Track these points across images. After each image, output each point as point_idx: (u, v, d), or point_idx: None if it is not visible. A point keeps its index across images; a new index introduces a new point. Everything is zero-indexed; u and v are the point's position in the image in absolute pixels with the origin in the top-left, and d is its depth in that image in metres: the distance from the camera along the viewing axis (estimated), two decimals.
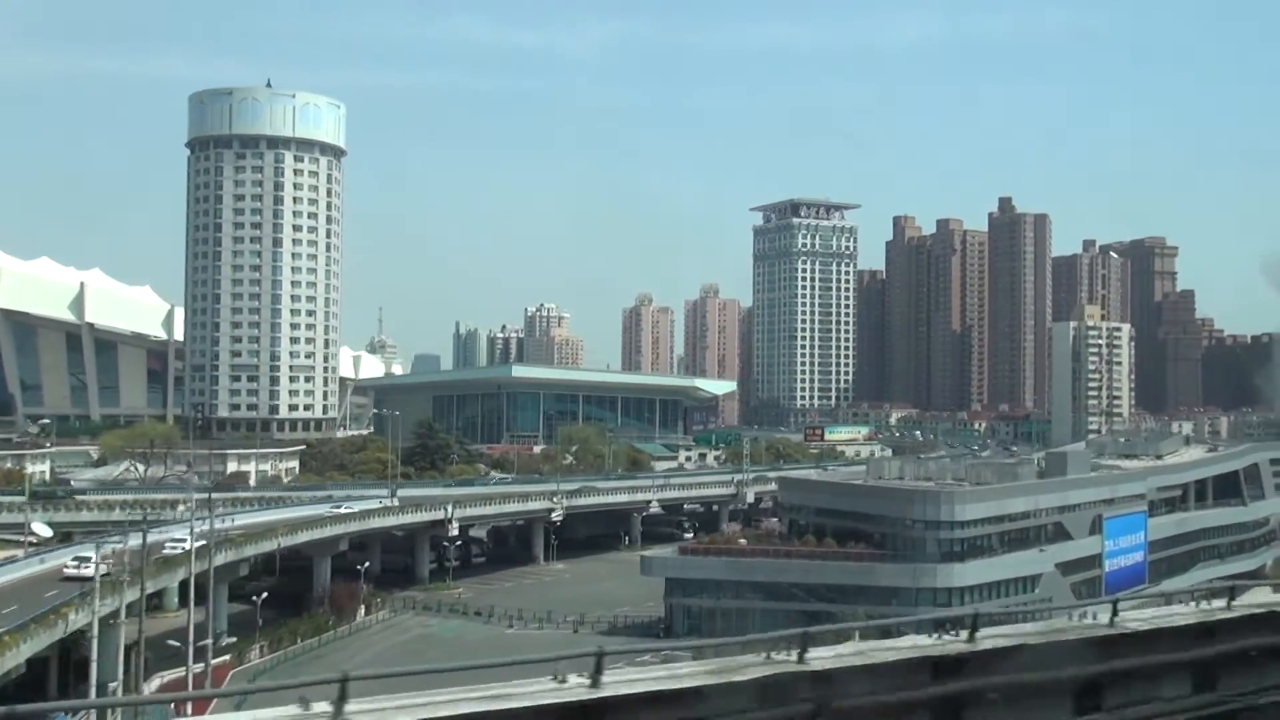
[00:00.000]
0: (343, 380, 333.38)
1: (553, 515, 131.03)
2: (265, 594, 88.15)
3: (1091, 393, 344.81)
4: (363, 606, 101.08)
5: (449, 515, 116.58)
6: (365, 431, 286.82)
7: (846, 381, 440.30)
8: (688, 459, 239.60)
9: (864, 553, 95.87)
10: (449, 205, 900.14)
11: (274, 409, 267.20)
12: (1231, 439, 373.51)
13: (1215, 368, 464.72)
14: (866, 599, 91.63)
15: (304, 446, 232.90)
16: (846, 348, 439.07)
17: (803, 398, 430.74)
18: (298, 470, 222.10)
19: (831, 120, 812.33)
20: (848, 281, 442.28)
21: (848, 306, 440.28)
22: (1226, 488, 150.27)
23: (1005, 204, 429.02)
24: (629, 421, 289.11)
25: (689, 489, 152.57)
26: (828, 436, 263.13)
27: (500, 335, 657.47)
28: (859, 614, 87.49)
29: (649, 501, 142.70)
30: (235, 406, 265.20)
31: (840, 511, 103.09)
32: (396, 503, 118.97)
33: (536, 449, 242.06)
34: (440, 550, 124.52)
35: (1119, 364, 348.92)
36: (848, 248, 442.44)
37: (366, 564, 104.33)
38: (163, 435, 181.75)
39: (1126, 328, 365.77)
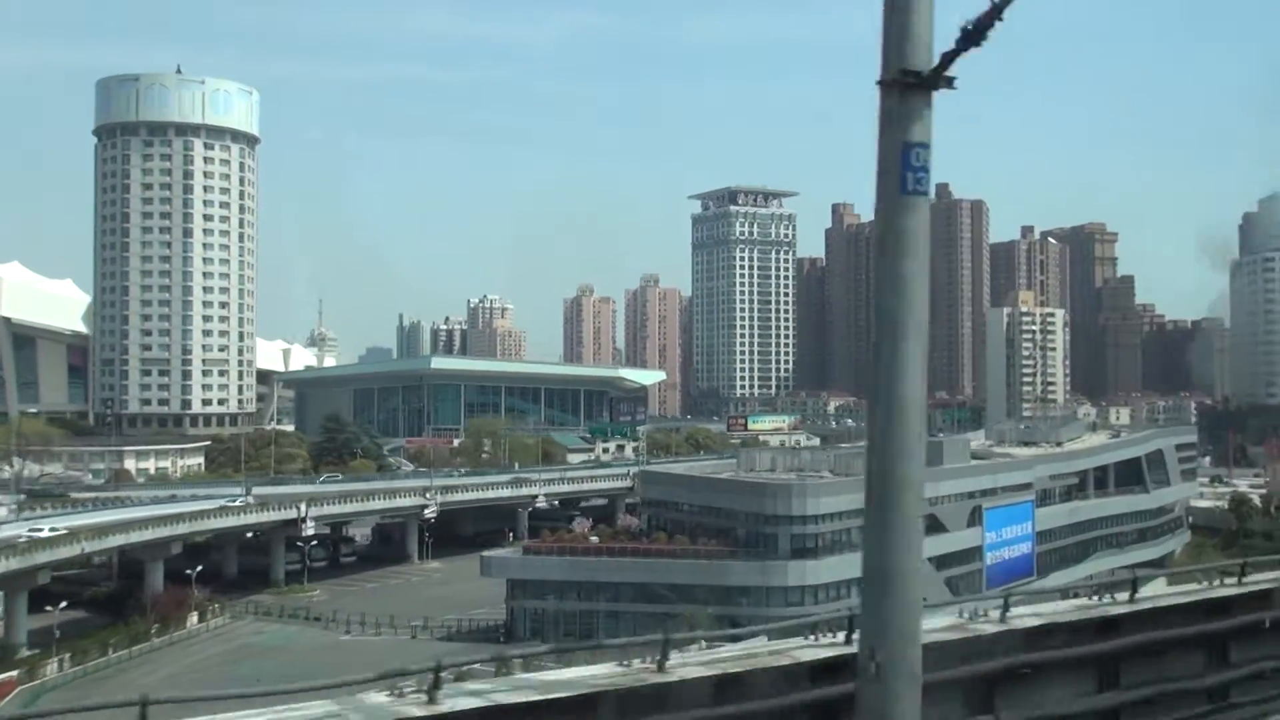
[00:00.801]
0: (268, 373, 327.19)
1: (425, 512, 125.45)
2: (64, 603, 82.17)
3: (1026, 379, 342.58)
4: (195, 613, 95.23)
5: (302, 514, 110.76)
6: (281, 426, 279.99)
7: (787, 370, 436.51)
8: (604, 451, 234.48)
9: (712, 549, 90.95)
10: (394, 197, 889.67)
11: (186, 404, 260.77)
12: (1167, 424, 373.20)
13: (1156, 353, 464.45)
14: (715, 599, 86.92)
15: (209, 442, 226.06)
16: (786, 336, 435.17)
17: (743, 387, 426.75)
18: (202, 466, 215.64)
19: (776, 111, 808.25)
20: (787, 269, 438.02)
21: (787, 294, 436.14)
22: (1130, 475, 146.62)
23: (942, 190, 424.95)
24: (553, 413, 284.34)
25: (580, 483, 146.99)
26: (751, 426, 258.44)
27: (444, 327, 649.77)
28: (706, 615, 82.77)
29: (535, 497, 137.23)
30: (146, 401, 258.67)
31: (697, 507, 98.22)
32: (252, 501, 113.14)
33: (457, 442, 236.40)
34: (307, 551, 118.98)
35: (1053, 349, 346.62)
36: (786, 235, 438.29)
37: (200, 567, 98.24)
38: (38, 433, 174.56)
39: (1061, 313, 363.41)
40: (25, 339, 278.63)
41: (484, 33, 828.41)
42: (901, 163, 5.55)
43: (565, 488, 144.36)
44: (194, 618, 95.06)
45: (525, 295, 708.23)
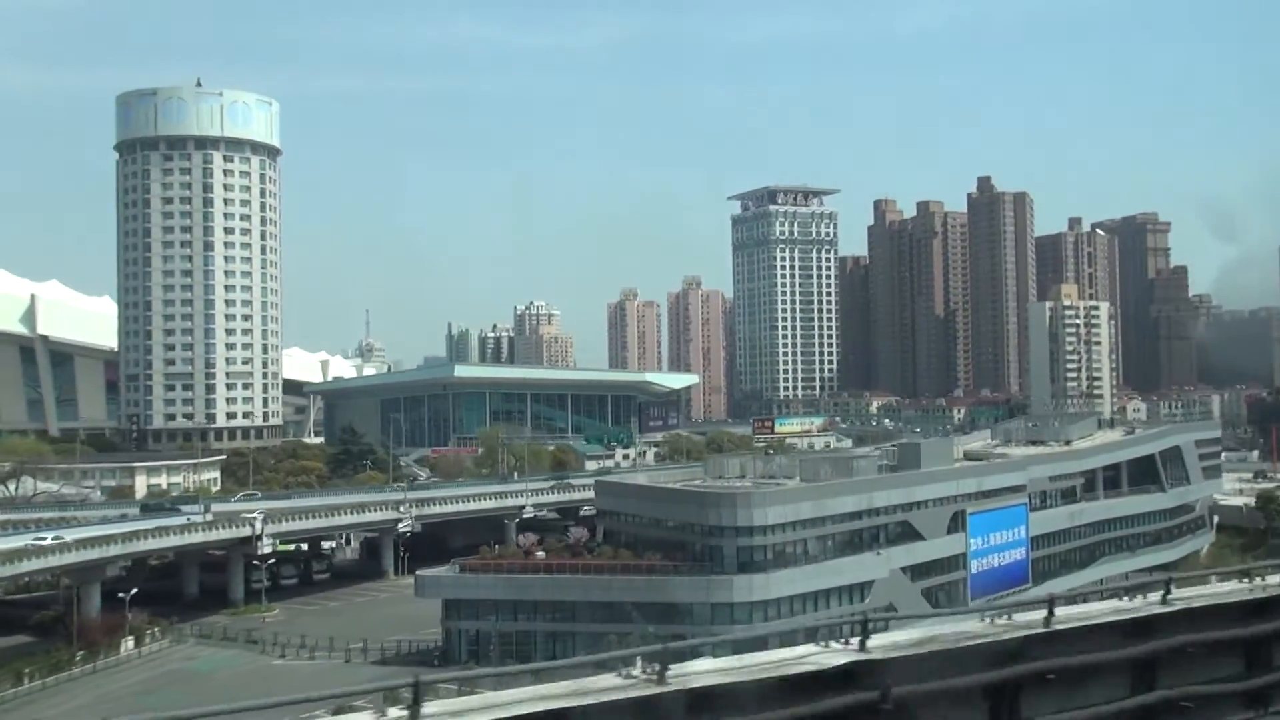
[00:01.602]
0: (301, 385, 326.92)
1: (400, 526, 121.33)
2: None
3: (1070, 374, 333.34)
4: (131, 638, 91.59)
5: (258, 532, 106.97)
6: (312, 439, 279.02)
7: (831, 370, 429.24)
8: (625, 457, 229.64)
9: (655, 564, 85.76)
10: (441, 207, 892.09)
11: (210, 417, 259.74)
12: (1211, 419, 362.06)
13: (1214, 345, 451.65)
14: (658, 617, 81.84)
15: (224, 456, 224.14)
16: (829, 336, 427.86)
17: (786, 388, 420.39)
18: (218, 481, 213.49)
19: (820, 109, 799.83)
20: (828, 268, 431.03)
21: (829, 294, 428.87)
22: (1145, 474, 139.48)
23: (984, 184, 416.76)
24: (580, 420, 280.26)
25: (570, 491, 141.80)
26: (779, 429, 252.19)
27: (491, 335, 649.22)
28: (647, 634, 77.70)
29: (522, 507, 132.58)
30: (170, 416, 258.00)
31: (648, 519, 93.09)
32: (211, 518, 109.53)
33: (481, 450, 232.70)
34: (274, 570, 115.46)
35: (1098, 344, 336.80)
36: (828, 234, 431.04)
37: (135, 590, 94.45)
38: (32, 450, 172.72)
39: (1105, 306, 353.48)
40: (64, 356, 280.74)
41: (525, 42, 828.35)
42: None
43: (554, 497, 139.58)
44: (129, 643, 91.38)
45: (572, 301, 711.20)
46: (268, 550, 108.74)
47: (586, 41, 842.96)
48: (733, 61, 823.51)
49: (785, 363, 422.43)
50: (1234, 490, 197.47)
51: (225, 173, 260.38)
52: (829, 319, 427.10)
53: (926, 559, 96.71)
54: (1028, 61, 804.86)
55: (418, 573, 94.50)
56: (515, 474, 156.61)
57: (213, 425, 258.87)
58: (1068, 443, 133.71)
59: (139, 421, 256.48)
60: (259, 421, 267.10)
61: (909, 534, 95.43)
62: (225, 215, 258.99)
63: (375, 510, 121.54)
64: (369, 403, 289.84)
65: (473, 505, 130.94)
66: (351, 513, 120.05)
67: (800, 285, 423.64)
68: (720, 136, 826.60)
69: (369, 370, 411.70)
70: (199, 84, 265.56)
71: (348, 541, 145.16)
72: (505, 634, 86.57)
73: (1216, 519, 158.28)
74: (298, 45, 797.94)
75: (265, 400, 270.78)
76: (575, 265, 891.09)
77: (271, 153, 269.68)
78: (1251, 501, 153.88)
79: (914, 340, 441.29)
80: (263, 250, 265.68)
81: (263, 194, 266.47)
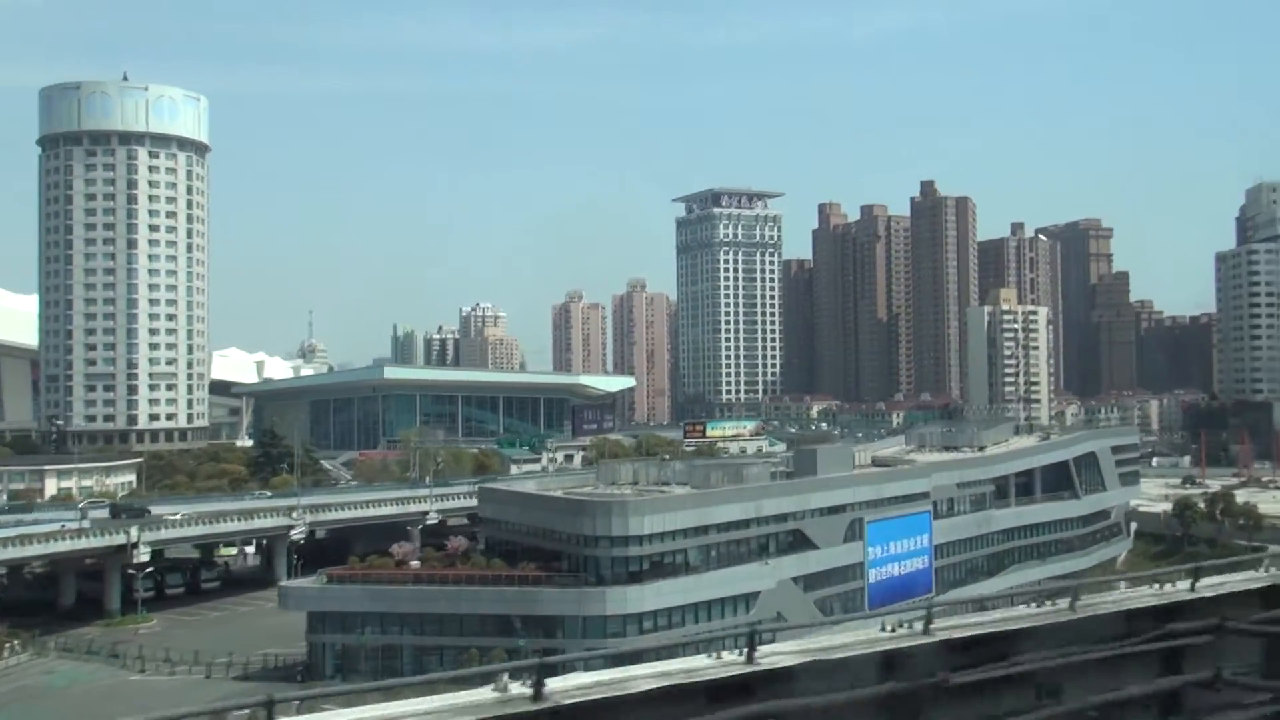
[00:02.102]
0: (230, 385, 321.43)
1: (292, 533, 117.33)
2: None
3: (1008, 378, 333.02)
4: None
5: (134, 539, 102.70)
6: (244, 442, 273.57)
7: (774, 374, 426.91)
8: (551, 460, 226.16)
9: (526, 575, 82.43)
10: (388, 209, 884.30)
11: (132, 419, 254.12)
12: (1150, 424, 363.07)
13: (1155, 350, 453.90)
14: (531, 630, 78.68)
15: (140, 459, 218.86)
16: (773, 339, 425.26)
17: (729, 392, 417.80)
18: (134, 484, 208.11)
19: (772, 113, 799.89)
20: (772, 272, 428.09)
21: (773, 297, 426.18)
22: (1060, 480, 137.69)
23: (927, 188, 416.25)
24: (512, 422, 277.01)
25: (472, 498, 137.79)
26: (710, 432, 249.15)
27: (436, 337, 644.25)
28: (519, 649, 74.64)
29: (425, 513, 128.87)
30: (91, 418, 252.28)
31: (527, 527, 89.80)
32: (87, 524, 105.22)
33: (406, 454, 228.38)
34: (159, 579, 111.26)
35: (1036, 348, 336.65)
36: (772, 237, 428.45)
37: None
38: None
39: (1044, 311, 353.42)
40: None
41: (474, 44, 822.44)
42: None
43: (461, 503, 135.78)
44: None
45: (520, 303, 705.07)
46: (145, 558, 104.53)
47: (539, 44, 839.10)
48: (684, 66, 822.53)
49: (728, 366, 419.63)
50: (1161, 496, 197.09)
51: (150, 169, 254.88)
52: (772, 322, 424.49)
53: (820, 569, 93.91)
54: (980, 68, 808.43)
55: (281, 584, 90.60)
56: (427, 479, 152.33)
57: (134, 427, 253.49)
58: (981, 449, 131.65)
59: (59, 423, 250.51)
60: (183, 423, 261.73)
61: (801, 543, 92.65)
62: (150, 212, 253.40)
63: (265, 517, 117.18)
64: (299, 404, 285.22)
65: (372, 511, 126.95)
66: (238, 519, 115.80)
67: (744, 288, 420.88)
68: (671, 139, 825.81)
69: (308, 371, 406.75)
70: (125, 78, 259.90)
71: (256, 548, 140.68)
72: (373, 648, 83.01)
73: (1135, 526, 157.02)
74: (249, 44, 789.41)
75: (190, 402, 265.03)
76: (524, 267, 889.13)
77: (199, 149, 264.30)
78: (1170, 508, 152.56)
79: (857, 344, 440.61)
80: (189, 248, 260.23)
81: (189, 191, 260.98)
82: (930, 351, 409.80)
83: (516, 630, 78.96)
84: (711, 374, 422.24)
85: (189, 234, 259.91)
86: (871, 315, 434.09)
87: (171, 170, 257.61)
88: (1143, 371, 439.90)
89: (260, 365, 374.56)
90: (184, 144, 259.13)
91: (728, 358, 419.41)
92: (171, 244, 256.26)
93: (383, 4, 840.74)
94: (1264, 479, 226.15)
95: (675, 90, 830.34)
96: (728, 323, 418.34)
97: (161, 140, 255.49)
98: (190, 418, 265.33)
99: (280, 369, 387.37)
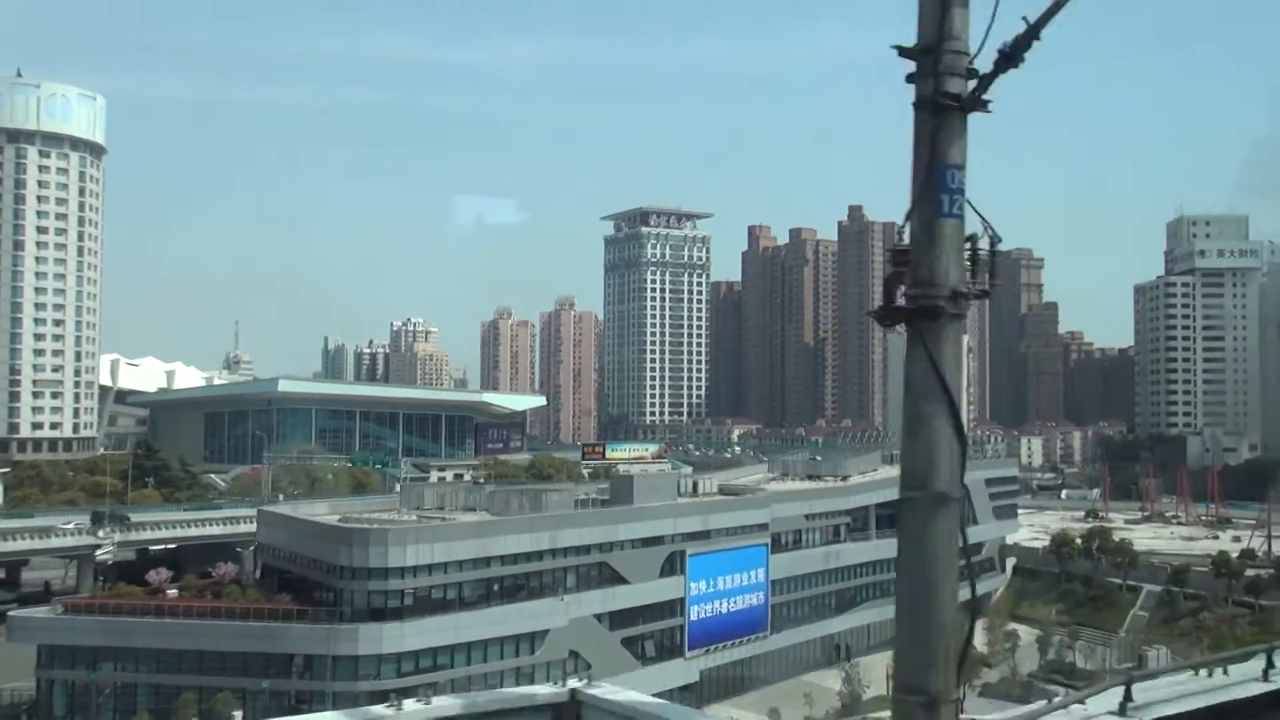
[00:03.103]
0: (127, 395, 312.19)
1: (98, 554, 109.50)
2: None
3: None
4: None
5: None
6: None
7: (699, 396, 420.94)
8: (441, 479, 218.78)
9: (277, 609, 75.26)
10: (320, 222, 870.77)
11: (13, 427, 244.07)
12: (1071, 455, 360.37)
13: (1085, 382, 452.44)
14: (277, 670, 71.61)
15: (7, 469, 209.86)
16: (698, 361, 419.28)
17: (653, 413, 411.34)
18: None
19: (716, 135, 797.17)
20: (700, 293, 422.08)
21: (699, 318, 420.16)
22: None
23: (855, 212, 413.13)
24: (412, 440, 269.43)
25: None
26: (609, 454, 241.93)
27: (367, 350, 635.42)
28: (261, 691, 67.54)
29: (254, 533, 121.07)
30: None
31: (295, 555, 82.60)
32: None
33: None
34: None
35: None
36: (700, 258, 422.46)
37: None
38: None
39: (965, 339, 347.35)
40: None
41: (409, 59, 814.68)
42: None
43: None
44: None
45: (452, 318, 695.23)
46: None
47: (476, 61, 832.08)
48: (623, 88, 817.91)
49: (652, 387, 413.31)
50: (1059, 530, 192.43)
51: (40, 168, 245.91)
52: (699, 344, 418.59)
53: (630, 605, 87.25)
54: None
55: (10, 613, 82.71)
56: (280, 497, 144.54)
57: (15, 435, 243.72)
58: (844, 478, 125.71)
59: None
60: (68, 433, 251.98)
61: (609, 577, 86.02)
62: (39, 213, 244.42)
63: (64, 535, 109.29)
64: (193, 416, 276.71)
65: (195, 531, 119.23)
66: (33, 537, 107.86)
67: (671, 309, 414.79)
68: (610, 159, 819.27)
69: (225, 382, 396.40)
70: (19, 74, 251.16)
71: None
72: (109, 687, 75.43)
73: (1014, 561, 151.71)
74: (188, 51, 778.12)
75: (77, 410, 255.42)
76: (457, 283, 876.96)
77: (95, 150, 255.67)
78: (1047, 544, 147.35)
79: (783, 368, 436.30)
80: (80, 252, 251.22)
81: (82, 193, 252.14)
82: (855, 376, 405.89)
83: (249, 668, 71.85)
84: (636, 395, 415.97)
85: (80, 237, 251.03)
86: (798, 339, 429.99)
87: (63, 170, 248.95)
88: (1071, 403, 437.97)
89: (170, 375, 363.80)
90: (77, 144, 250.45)
91: (652, 378, 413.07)
92: (61, 246, 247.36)
93: (319, 18, 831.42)
94: (1168, 514, 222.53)
95: (614, 111, 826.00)
96: (653, 343, 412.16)
97: (53, 139, 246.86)
98: (77, 427, 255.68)
99: (193, 379, 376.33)
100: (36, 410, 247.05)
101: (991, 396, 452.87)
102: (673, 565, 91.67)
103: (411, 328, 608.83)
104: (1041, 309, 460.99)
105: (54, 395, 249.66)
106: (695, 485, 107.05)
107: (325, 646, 71.40)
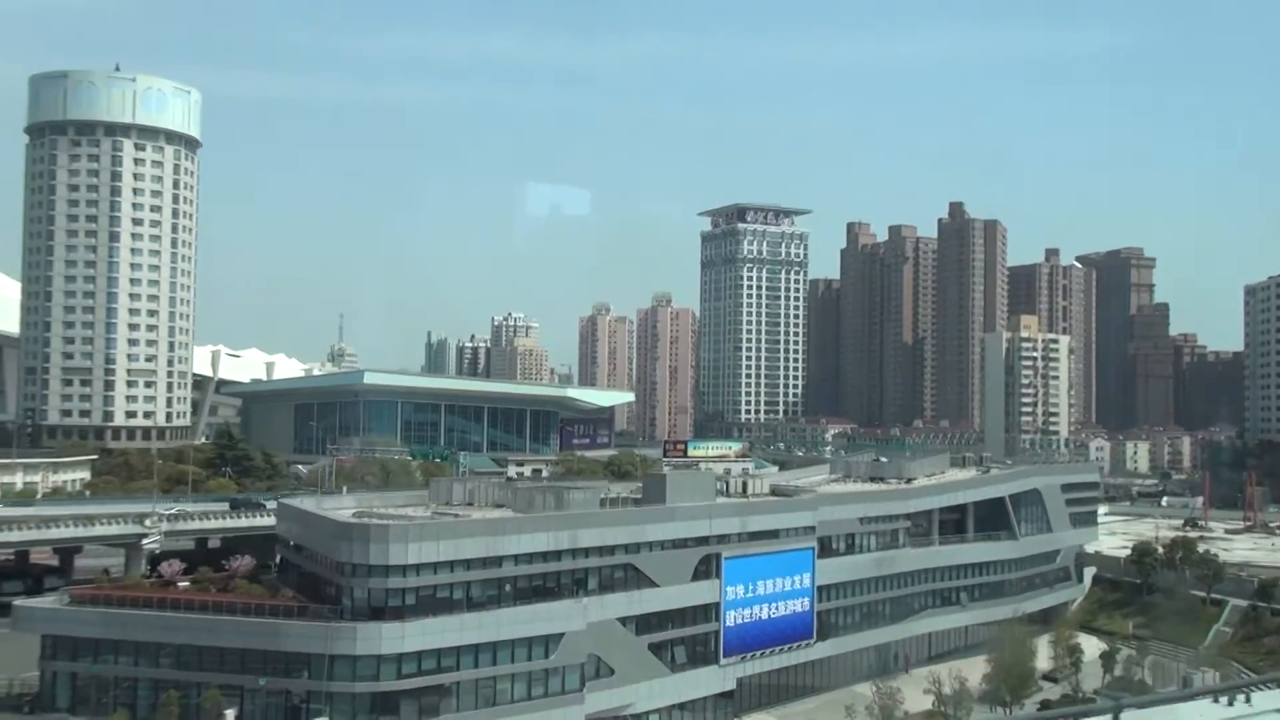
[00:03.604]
0: (219, 385, 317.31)
1: (145, 542, 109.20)
2: None
3: (1025, 408, 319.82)
4: None
5: None
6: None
7: (795, 395, 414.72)
8: (518, 474, 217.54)
9: (280, 605, 73.06)
10: (429, 218, 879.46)
11: (109, 415, 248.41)
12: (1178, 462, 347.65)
13: (1197, 386, 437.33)
14: (277, 669, 69.59)
15: (94, 456, 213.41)
16: (795, 359, 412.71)
17: (748, 411, 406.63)
18: (87, 481, 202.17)
19: (817, 132, 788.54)
20: (797, 290, 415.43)
21: (796, 316, 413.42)
22: (999, 518, 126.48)
23: (955, 209, 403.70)
24: (496, 434, 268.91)
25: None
26: (691, 452, 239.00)
27: (469, 345, 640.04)
28: (260, 689, 65.64)
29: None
30: (67, 412, 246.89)
31: (307, 550, 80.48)
32: None
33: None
34: None
35: (1056, 378, 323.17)
36: (798, 255, 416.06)
37: None
38: None
39: (1065, 340, 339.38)
40: None
41: (513, 59, 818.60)
42: None
43: None
44: None
45: (552, 314, 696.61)
46: None
47: (576, 61, 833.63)
48: (722, 86, 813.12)
49: (748, 385, 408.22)
50: (1153, 539, 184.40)
51: (136, 161, 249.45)
52: (795, 342, 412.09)
53: (657, 609, 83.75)
54: (1030, 95, 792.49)
55: (15, 602, 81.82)
56: (344, 489, 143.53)
57: (110, 424, 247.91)
58: (909, 481, 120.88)
59: (34, 416, 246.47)
60: (161, 421, 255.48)
61: (635, 579, 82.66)
62: (134, 205, 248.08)
63: (109, 523, 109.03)
64: (285, 407, 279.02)
65: (242, 522, 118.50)
66: (75, 524, 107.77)
67: (767, 306, 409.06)
68: (709, 157, 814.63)
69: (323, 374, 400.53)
70: (117, 69, 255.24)
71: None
72: (110, 680, 74.01)
73: (1094, 571, 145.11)
74: (296, 50, 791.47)
75: (170, 400, 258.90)
76: (559, 278, 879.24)
77: (189, 143, 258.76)
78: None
79: (881, 367, 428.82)
80: (174, 244, 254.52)
81: (176, 185, 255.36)
82: (954, 377, 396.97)
83: (216, 663, 69.97)
84: (731, 392, 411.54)
85: (174, 229, 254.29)
86: (897, 338, 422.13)
87: (158, 164, 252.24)
88: (1182, 407, 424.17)
89: (270, 366, 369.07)
90: (172, 137, 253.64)
91: (748, 376, 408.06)
92: (156, 238, 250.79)
93: (422, 18, 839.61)
94: (1273, 524, 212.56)
95: (713, 109, 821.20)
96: (749, 341, 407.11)
97: (149, 132, 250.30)
98: (170, 416, 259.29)
99: (293, 371, 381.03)
100: (130, 399, 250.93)
101: (1098, 400, 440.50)
102: (708, 568, 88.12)
103: (512, 323, 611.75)
104: (1152, 310, 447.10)
105: (148, 385, 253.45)
106: (745, 485, 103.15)
107: (323, 646, 69.22)
